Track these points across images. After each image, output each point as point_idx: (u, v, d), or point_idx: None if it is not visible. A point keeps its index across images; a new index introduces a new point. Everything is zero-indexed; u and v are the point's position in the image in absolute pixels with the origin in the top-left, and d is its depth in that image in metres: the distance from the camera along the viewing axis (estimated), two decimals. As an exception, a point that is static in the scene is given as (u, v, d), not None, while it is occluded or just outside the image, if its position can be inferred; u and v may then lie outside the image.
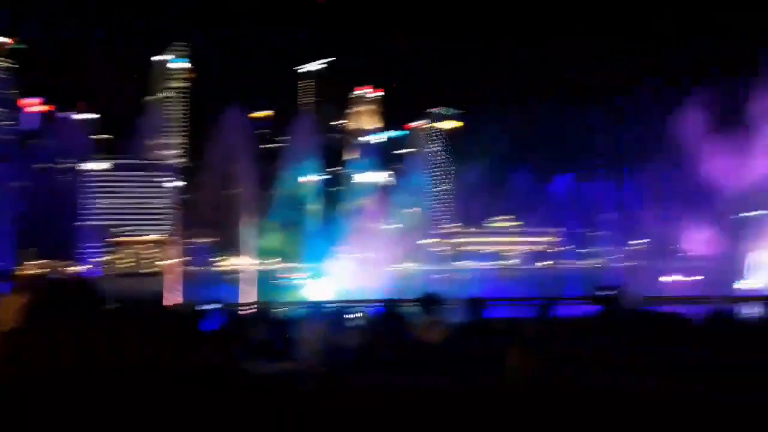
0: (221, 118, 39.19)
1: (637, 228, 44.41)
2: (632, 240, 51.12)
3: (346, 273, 46.61)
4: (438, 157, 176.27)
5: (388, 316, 6.86)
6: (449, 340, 4.85)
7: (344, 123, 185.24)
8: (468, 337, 5.02)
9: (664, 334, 4.16)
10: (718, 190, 36.86)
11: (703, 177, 37.52)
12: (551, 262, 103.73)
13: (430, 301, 5.96)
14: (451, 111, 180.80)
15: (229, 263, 73.63)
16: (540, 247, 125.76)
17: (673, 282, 37.58)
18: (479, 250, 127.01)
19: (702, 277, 37.11)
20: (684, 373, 3.84)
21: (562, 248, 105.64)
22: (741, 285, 32.82)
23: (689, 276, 38.48)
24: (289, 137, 50.55)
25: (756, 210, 36.69)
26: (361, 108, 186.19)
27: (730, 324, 4.57)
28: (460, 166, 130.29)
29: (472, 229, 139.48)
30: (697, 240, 42.20)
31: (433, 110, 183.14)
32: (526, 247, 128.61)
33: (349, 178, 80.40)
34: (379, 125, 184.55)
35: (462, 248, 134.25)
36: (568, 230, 49.72)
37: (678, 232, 42.92)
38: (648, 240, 45.77)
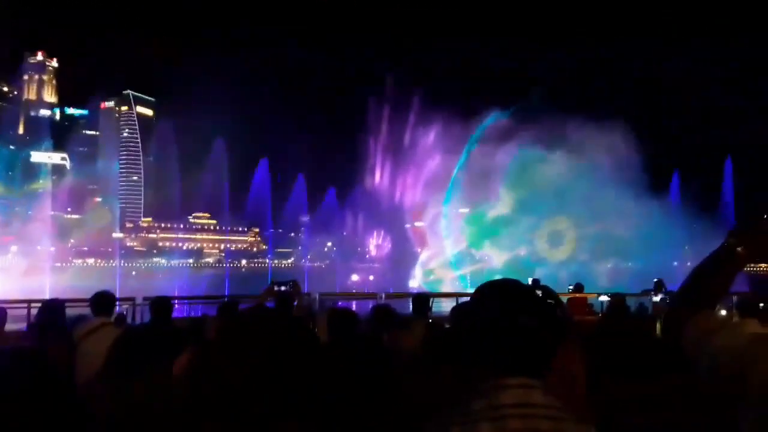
0: None
1: (330, 231, 47.90)
2: (325, 242, 54.99)
3: (8, 267, 39.09)
4: (129, 144, 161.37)
5: (51, 318, 5.58)
6: (124, 341, 4.06)
7: (13, 91, 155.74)
8: (144, 339, 4.30)
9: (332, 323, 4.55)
10: (394, 202, 43.14)
11: (385, 191, 43.63)
12: (248, 262, 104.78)
13: (102, 301, 4.98)
14: (150, 98, 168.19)
15: None
16: (240, 246, 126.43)
17: (358, 280, 41.77)
18: (175, 246, 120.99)
19: (381, 276, 42.71)
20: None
21: (263, 247, 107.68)
22: (411, 283, 38.58)
23: (371, 275, 43.38)
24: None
25: (422, 221, 43.51)
26: (37, 76, 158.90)
27: (387, 315, 5.20)
28: (154, 157, 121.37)
29: (168, 225, 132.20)
30: (378, 245, 48.10)
31: (128, 92, 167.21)
32: (226, 246, 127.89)
33: (14, 155, 67.15)
34: (56, 100, 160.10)
35: (156, 244, 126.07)
36: (268, 230, 50.75)
37: (363, 238, 48.02)
38: (338, 243, 49.84)
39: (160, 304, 5.04)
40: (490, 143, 38.07)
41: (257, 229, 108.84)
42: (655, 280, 10.39)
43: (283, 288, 4.82)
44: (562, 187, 34.75)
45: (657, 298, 9.79)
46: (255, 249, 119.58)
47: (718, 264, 1.80)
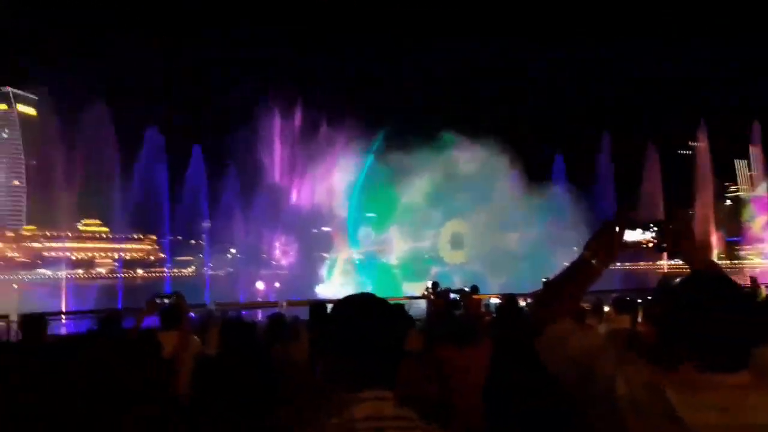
0: None
1: (232, 238, 46.46)
2: (228, 249, 53.28)
3: None
4: (9, 146, 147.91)
5: None
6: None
7: None
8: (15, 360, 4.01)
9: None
10: (300, 207, 42.51)
11: (288, 196, 42.94)
12: (145, 271, 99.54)
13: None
14: (32, 96, 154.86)
15: None
16: (135, 255, 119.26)
17: (263, 288, 40.79)
18: (63, 256, 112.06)
19: (287, 283, 41.98)
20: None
21: (160, 256, 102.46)
22: (319, 290, 38.21)
23: (276, 282, 42.49)
24: None
25: (326, 226, 43.39)
26: None
27: (279, 325, 5.23)
28: (38, 159, 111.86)
29: (54, 233, 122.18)
30: (284, 250, 47.21)
31: (7, 90, 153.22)
32: (119, 255, 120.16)
33: None
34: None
35: (41, 254, 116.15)
36: (165, 237, 47.96)
37: (267, 244, 46.91)
38: (240, 250, 48.41)
39: (30, 321, 4.65)
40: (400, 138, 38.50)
41: (154, 237, 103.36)
42: (543, 280, 11.00)
43: (166, 301, 4.61)
44: (472, 186, 35.60)
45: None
46: (152, 258, 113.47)
47: (574, 274, 1.98)
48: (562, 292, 1.98)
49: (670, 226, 1.97)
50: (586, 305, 10.35)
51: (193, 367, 3.71)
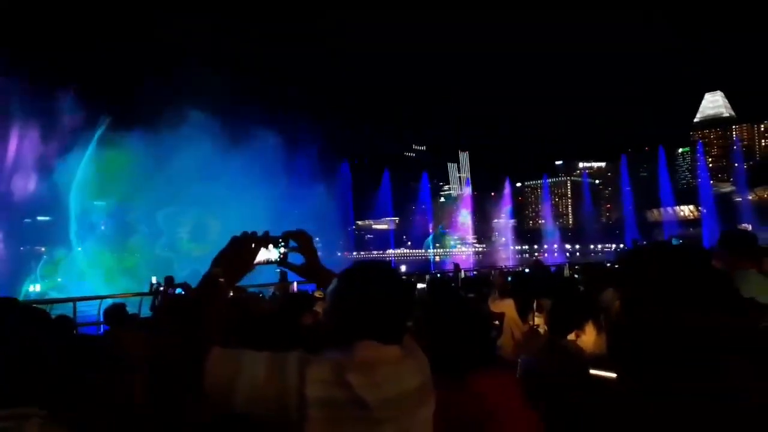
0: None
1: None
2: None
3: None
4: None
5: None
6: None
7: None
8: None
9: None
10: (8, 192, 36.05)
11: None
12: None
13: None
14: None
15: None
16: None
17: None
18: None
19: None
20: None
21: None
22: (33, 288, 33.00)
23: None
24: None
25: (45, 215, 38.03)
26: None
27: None
28: None
29: None
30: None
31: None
32: None
33: None
34: None
35: None
36: None
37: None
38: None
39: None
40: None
41: None
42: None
43: None
44: (200, 174, 34.43)
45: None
46: None
47: (206, 294, 1.78)
48: (202, 316, 1.74)
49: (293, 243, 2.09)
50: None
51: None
